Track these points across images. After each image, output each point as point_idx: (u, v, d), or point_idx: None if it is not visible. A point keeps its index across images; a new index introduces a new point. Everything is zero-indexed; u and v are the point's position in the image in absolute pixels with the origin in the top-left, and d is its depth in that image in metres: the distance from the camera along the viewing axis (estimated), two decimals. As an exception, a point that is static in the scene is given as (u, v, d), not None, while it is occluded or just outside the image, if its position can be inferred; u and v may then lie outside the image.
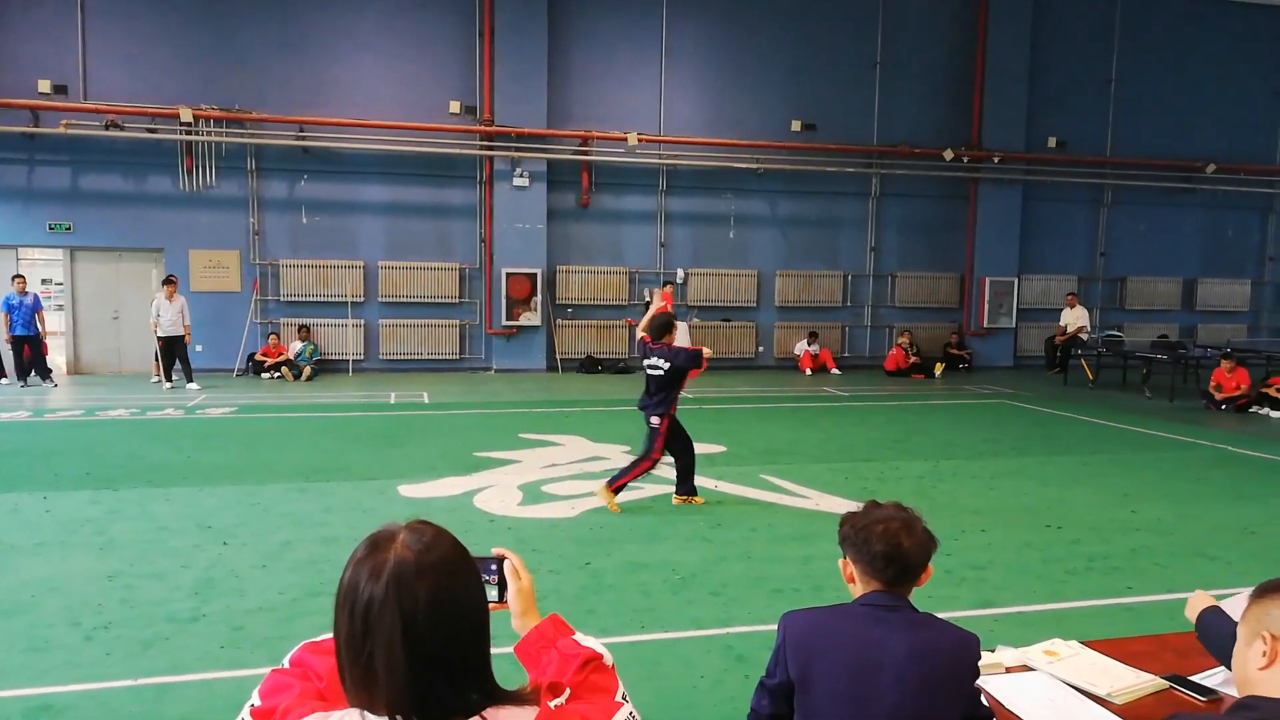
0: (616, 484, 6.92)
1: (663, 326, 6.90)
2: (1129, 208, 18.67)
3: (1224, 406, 12.50)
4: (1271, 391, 12.34)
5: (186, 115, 14.12)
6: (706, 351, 6.86)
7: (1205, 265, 19.35)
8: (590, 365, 15.97)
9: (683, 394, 7.12)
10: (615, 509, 6.82)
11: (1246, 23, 18.70)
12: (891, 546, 2.07)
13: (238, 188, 14.89)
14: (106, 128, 13.96)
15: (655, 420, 6.89)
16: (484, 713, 1.28)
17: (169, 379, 13.33)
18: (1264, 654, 1.66)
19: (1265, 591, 1.72)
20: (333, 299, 15.19)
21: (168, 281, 13.35)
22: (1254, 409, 12.34)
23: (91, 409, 11.18)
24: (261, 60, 14.74)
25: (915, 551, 2.09)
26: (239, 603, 4.90)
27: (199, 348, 14.39)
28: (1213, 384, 12.86)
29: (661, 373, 6.80)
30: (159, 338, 13.20)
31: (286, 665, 1.44)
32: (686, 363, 6.76)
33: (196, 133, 14.43)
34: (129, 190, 14.52)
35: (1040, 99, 17.68)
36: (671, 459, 7.09)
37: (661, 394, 6.85)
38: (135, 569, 5.40)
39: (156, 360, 13.63)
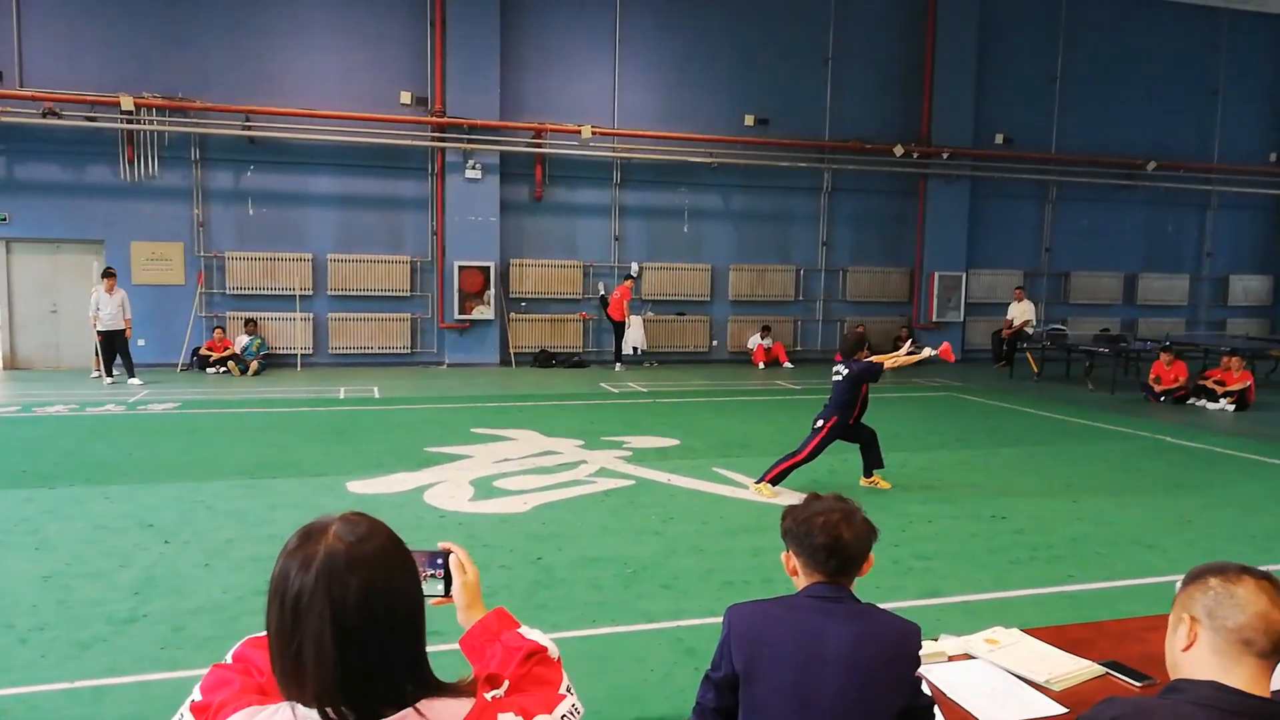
0: (770, 475, 7.18)
1: (856, 344, 7.42)
2: (1073, 204, 19.08)
3: (1163, 399, 12.84)
4: (1209, 384, 12.70)
5: (128, 103, 13.74)
6: (888, 362, 7.44)
7: (1146, 260, 19.86)
8: (544, 359, 15.91)
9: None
10: (773, 494, 7.10)
11: (1184, 24, 19.19)
12: (832, 539, 2.10)
13: (181, 178, 14.55)
14: (44, 116, 13.53)
15: (820, 422, 7.27)
16: (418, 704, 1.28)
17: (110, 374, 13.00)
18: (1185, 635, 1.72)
19: (1192, 578, 1.77)
20: (280, 292, 14.92)
21: (107, 274, 13.00)
22: (1191, 401, 12.69)
23: (28, 405, 10.86)
24: (206, 47, 14.40)
25: (855, 543, 2.12)
26: (181, 602, 4.80)
27: (141, 342, 14.04)
28: (1152, 376, 13.20)
29: (840, 378, 7.28)
30: (99, 332, 12.86)
31: (229, 660, 1.44)
32: (864, 373, 7.21)
33: (138, 121, 14.07)
34: (67, 180, 14.11)
35: (988, 97, 17.97)
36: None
37: (838, 399, 7.26)
38: (72, 569, 5.26)
39: (96, 355, 13.28)
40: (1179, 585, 1.80)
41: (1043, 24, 18.28)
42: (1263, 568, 1.76)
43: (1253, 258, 20.74)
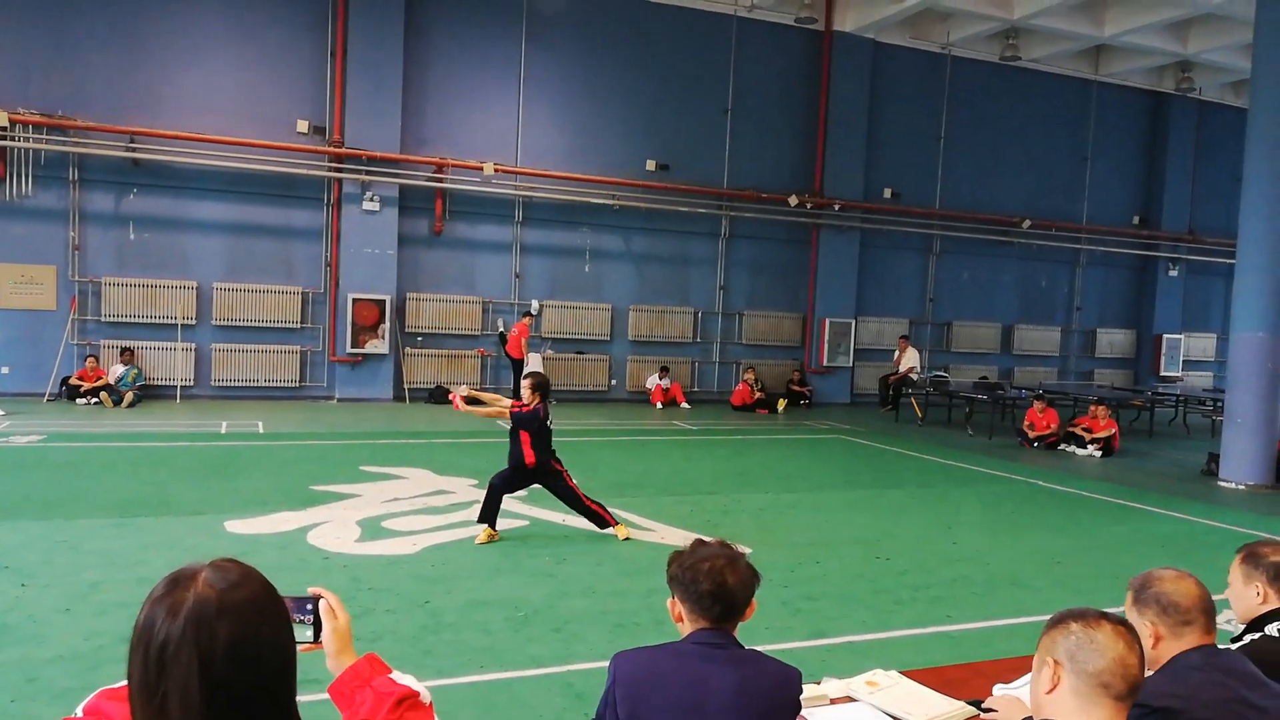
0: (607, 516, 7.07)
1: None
2: (955, 256, 20.03)
3: (1036, 444, 13.50)
4: (1078, 430, 13.42)
5: (1, 119, 13.03)
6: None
7: (1021, 312, 20.97)
8: (440, 395, 15.64)
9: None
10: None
11: (1059, 93, 20.53)
12: (717, 585, 2.12)
13: (57, 199, 13.82)
14: (-96, 126, 12.72)
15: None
16: None
17: (-33, 403, 12.15)
18: (1048, 679, 1.80)
19: (1055, 622, 1.86)
20: (161, 320, 14.27)
21: (-30, 296, 12.21)
22: (1062, 447, 13.39)
23: None
24: (90, 62, 13.80)
25: (739, 589, 2.15)
26: (36, 650, 4.48)
27: (4, 369, 13.22)
28: (1026, 423, 13.88)
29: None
30: (-43, 358, 12.04)
31: (79, 714, 1.38)
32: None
33: (12, 138, 13.34)
34: (-72, 195, 13.24)
35: (877, 153, 18.78)
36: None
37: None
38: (-87, 615, 4.86)
39: (-47, 382, 12.41)
40: (1044, 629, 1.89)
41: (929, 87, 19.27)
42: (1122, 608, 1.88)
43: (1118, 313, 22.15)
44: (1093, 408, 13.71)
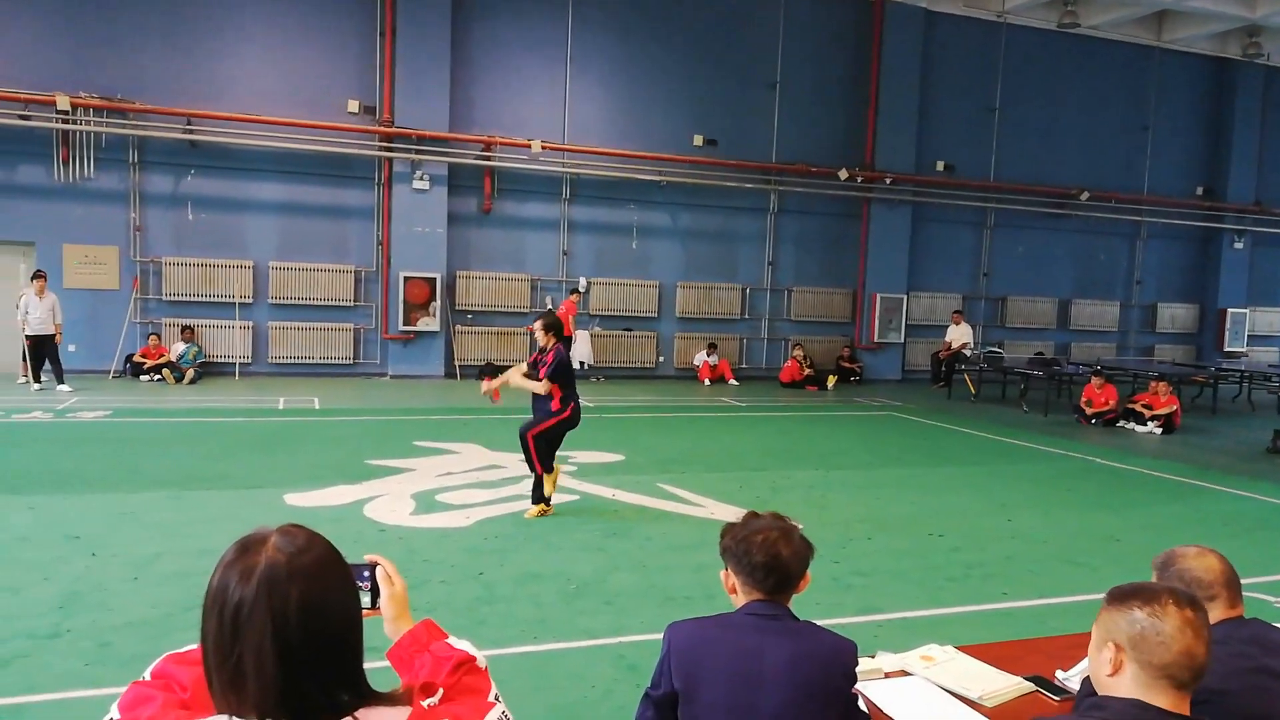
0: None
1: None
2: (1010, 230, 19.61)
3: (1094, 421, 13.22)
4: (1137, 407, 13.11)
5: (64, 103, 13.36)
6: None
7: (1078, 287, 20.48)
8: (490, 372, 15.73)
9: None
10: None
11: (1118, 61, 19.90)
12: (770, 557, 2.12)
13: (118, 181, 14.17)
14: (-28, 112, 13.10)
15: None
16: (356, 713, 1.29)
17: (38, 380, 12.56)
18: (1110, 662, 1.75)
19: (1117, 599, 1.80)
20: (219, 299, 14.59)
21: (37, 276, 12.58)
22: (1121, 424, 13.09)
23: (-52, 411, 10.45)
24: (148, 47, 14.08)
25: (793, 561, 2.14)
26: (106, 618, 4.65)
27: (72, 347, 13.61)
28: (1084, 399, 13.59)
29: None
30: (27, 336, 12.43)
31: (148, 678, 1.41)
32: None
33: (74, 121, 13.69)
34: (-4, 179, 13.66)
35: (930, 125, 18.41)
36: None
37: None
38: (-9, 582, 5.07)
39: (24, 360, 12.83)
40: (1104, 601, 1.84)
41: (983, 56, 18.80)
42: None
43: (1180, 287, 21.52)
44: (1153, 384, 13.36)
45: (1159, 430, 12.68)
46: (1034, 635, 3.93)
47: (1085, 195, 19.43)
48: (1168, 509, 8.12)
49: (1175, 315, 21.42)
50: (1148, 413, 12.93)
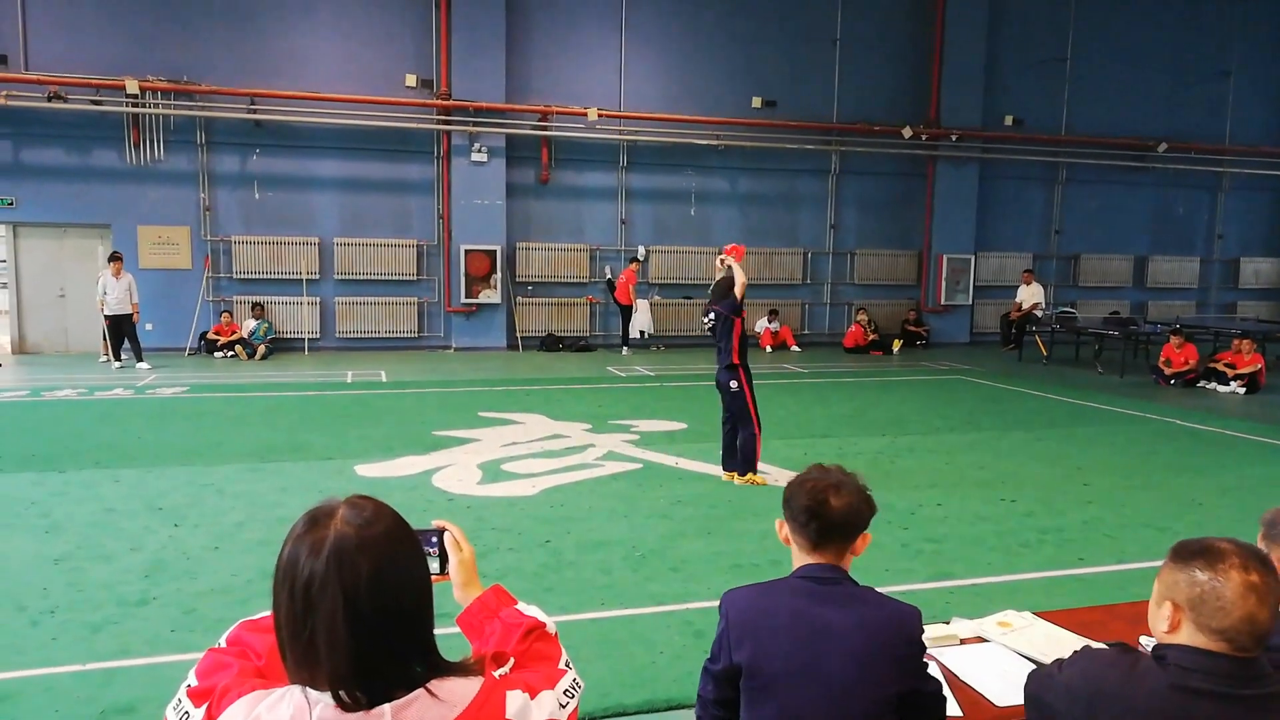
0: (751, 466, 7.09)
1: (728, 288, 7.55)
2: (1082, 186, 18.94)
3: (1173, 381, 12.78)
4: (1219, 367, 12.63)
5: (132, 87, 13.71)
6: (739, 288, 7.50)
7: (1155, 243, 19.73)
8: (551, 343, 15.88)
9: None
10: (763, 479, 7.07)
11: (1195, 4, 18.96)
12: (816, 502, 2.04)
13: (187, 162, 14.52)
14: (49, 99, 13.50)
15: (734, 384, 7.39)
16: (428, 684, 1.28)
17: (118, 358, 13.02)
18: (1167, 619, 1.71)
19: (1180, 557, 1.74)
20: (287, 276, 14.91)
21: (114, 258, 13.01)
22: (1202, 384, 12.63)
23: (37, 389, 10.89)
24: (210, 30, 14.33)
25: (841, 511, 2.04)
26: (190, 585, 4.81)
27: (149, 326, 14.06)
28: (1162, 359, 13.13)
29: (714, 320, 7.54)
30: (106, 316, 12.89)
31: (223, 644, 1.43)
32: (734, 307, 7.47)
33: (143, 105, 14.03)
34: (73, 164, 14.09)
35: (997, 78, 17.82)
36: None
37: (728, 343, 7.49)
38: (82, 552, 5.28)
39: (104, 339, 13.31)
40: (1167, 555, 1.77)
41: (1052, 4, 18.08)
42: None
43: (1264, 240, 20.59)
44: (1236, 342, 12.84)
45: (1243, 390, 12.19)
46: (1114, 601, 3.82)
47: (1163, 146, 18.64)
48: (1253, 471, 7.81)
49: (1259, 270, 20.51)
50: (1230, 372, 12.44)
